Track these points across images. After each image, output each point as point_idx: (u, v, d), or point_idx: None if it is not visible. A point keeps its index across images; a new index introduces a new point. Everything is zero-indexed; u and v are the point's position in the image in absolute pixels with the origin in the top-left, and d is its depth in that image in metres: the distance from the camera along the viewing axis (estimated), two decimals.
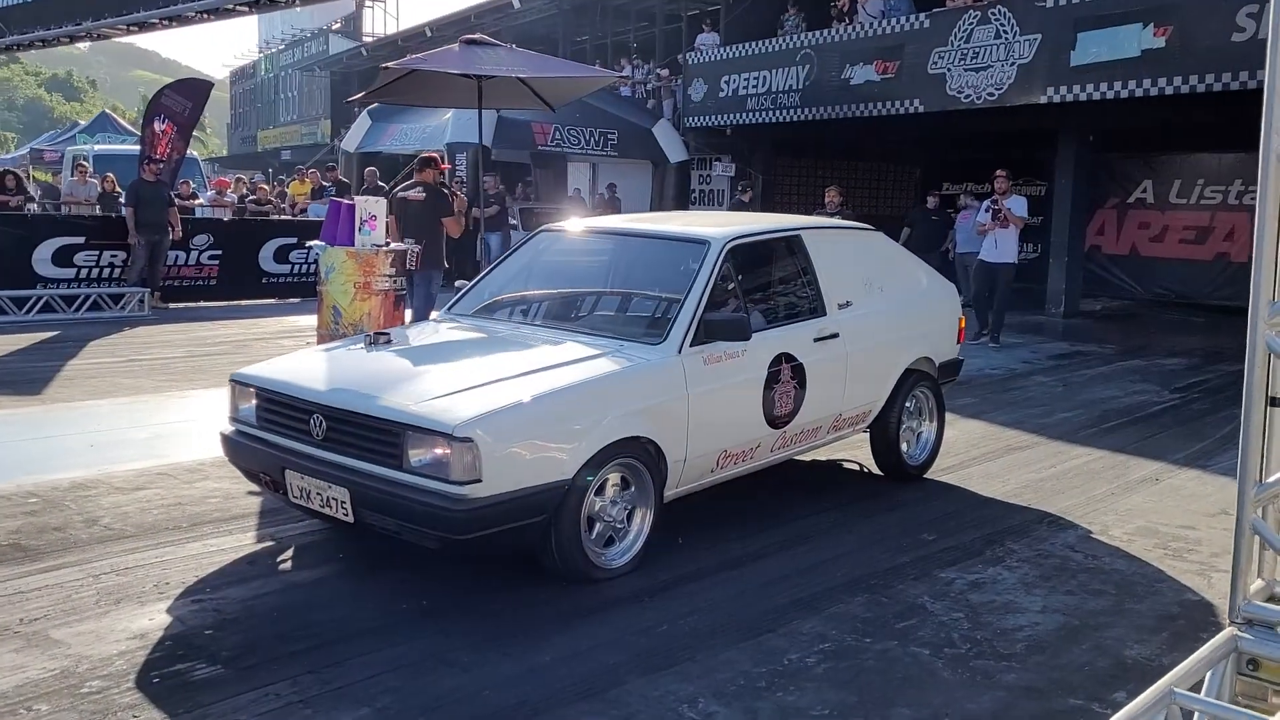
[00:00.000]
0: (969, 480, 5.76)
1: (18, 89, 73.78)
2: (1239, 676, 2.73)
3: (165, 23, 7.39)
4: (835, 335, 5.00)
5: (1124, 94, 11.59)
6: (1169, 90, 11.20)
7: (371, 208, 9.12)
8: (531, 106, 9.04)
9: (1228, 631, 2.73)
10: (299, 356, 4.92)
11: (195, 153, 18.43)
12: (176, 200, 13.30)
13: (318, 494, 3.97)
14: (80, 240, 12.13)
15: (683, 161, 19.83)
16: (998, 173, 11.19)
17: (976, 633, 3.72)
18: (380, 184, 14.31)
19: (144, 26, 7.53)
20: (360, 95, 9.62)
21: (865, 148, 19.14)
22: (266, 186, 19.33)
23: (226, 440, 4.48)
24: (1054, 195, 14.68)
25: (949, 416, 7.35)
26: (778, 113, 16.78)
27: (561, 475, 3.81)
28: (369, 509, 3.83)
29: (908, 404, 5.58)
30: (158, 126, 13.67)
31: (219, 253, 13.24)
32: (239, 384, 4.45)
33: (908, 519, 5.04)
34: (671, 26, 21.59)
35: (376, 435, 3.82)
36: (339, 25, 40.49)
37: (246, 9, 6.84)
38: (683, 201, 20.09)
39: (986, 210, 11.18)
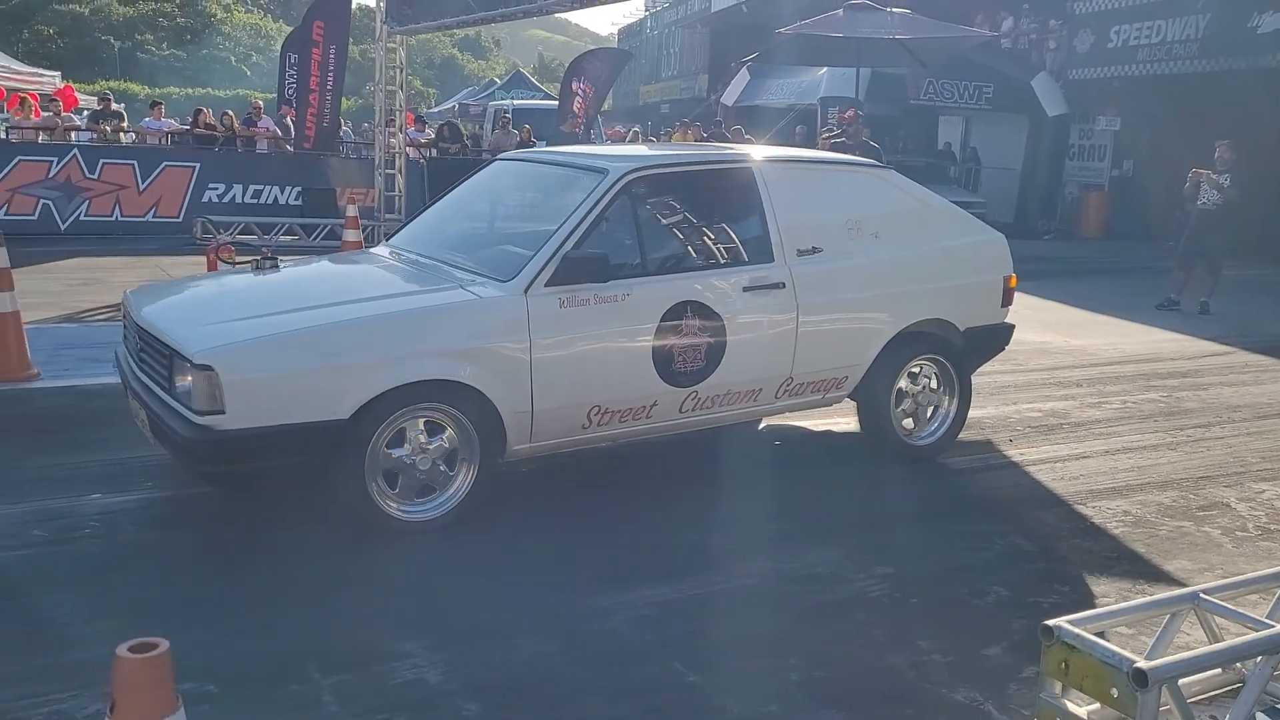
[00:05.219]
0: None
1: (435, 49, 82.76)
2: None
3: None
4: (780, 285, 4.38)
5: None
6: None
7: None
8: (905, 67, 9.83)
9: None
10: (188, 279, 4.85)
11: None
12: None
13: (138, 413, 3.94)
14: None
15: (1061, 116, 19.42)
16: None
17: (1272, 526, 4.29)
18: (748, 138, 15.57)
19: (585, 2, 9.07)
20: (753, 56, 10.86)
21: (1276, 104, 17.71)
22: (653, 139, 21.35)
23: (116, 356, 4.50)
24: None
25: None
26: (1171, 64, 16.16)
27: (334, 415, 3.52)
28: (159, 433, 3.70)
29: (909, 373, 4.85)
30: (576, 86, 15.73)
31: None
32: (122, 302, 4.45)
33: (1235, 447, 5.45)
34: None
35: (161, 358, 3.71)
36: None
37: None
38: (1059, 157, 19.71)
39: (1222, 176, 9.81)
